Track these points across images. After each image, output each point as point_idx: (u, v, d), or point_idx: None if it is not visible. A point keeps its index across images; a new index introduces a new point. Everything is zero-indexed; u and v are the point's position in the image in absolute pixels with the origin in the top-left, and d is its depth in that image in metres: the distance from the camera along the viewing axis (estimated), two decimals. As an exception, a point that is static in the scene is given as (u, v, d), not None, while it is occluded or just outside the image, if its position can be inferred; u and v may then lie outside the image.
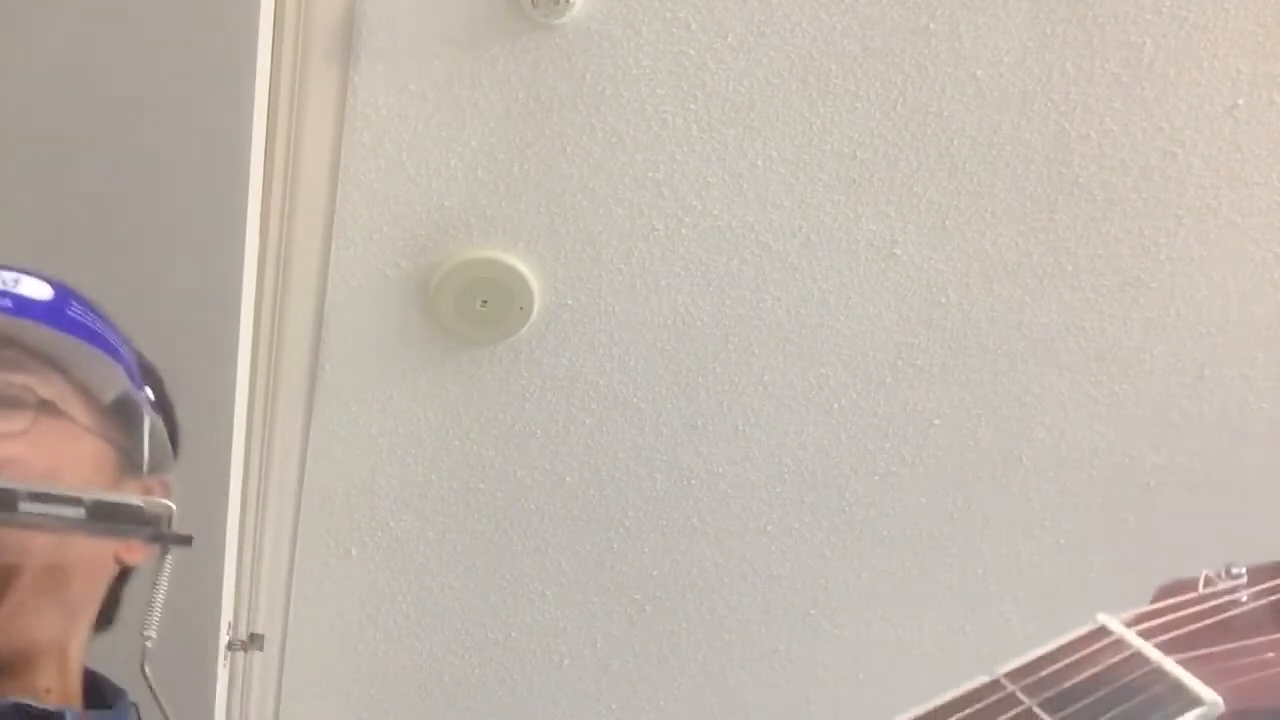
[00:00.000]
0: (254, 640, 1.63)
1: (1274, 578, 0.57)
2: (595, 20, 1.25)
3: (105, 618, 0.78)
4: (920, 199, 1.39)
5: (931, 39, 1.28)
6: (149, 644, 0.69)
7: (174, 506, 0.68)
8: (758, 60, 1.29)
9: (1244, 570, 0.57)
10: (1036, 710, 0.29)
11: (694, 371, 1.51)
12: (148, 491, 0.75)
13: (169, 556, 0.70)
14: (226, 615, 1.53)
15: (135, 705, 0.76)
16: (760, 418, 1.55)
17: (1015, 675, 0.33)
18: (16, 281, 0.72)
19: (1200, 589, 0.53)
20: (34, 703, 0.65)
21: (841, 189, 1.37)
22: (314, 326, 1.43)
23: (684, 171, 1.35)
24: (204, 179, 1.20)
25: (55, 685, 0.70)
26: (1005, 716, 0.33)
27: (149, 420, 0.74)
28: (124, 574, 0.78)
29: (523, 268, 1.40)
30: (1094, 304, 1.48)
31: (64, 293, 0.74)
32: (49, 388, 0.69)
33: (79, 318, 0.74)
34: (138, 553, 0.76)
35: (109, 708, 0.75)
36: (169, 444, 0.78)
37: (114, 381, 0.73)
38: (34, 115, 1.17)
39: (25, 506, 0.62)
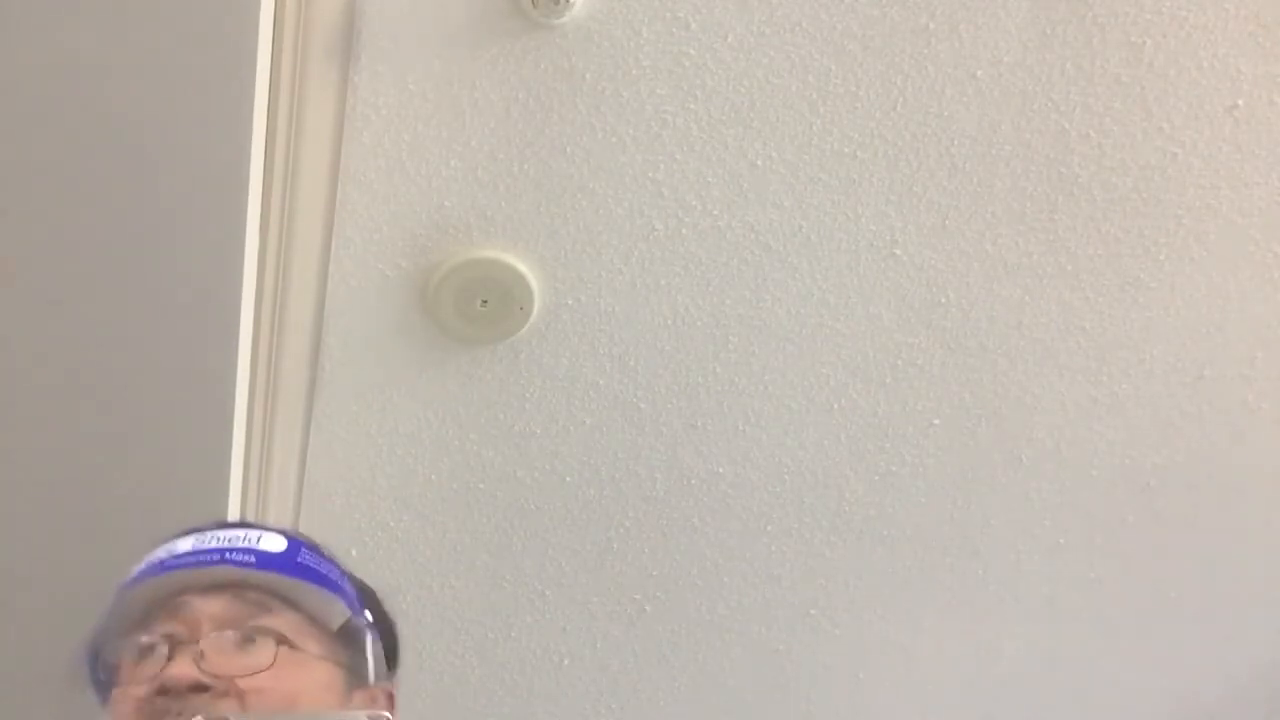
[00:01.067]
0: (254, 640, 1.63)
1: None
2: (595, 20, 1.25)
3: None
4: (920, 199, 1.39)
5: (931, 39, 1.28)
6: None
7: (390, 717, 0.84)
8: (758, 60, 1.29)
9: None
10: None
11: (694, 371, 1.51)
12: (373, 700, 0.87)
13: None
14: (226, 615, 1.53)
15: None
16: (760, 418, 1.55)
17: None
18: (259, 539, 0.88)
19: None
20: None
21: (841, 189, 1.37)
22: (314, 326, 1.43)
23: (684, 171, 1.35)
24: (204, 179, 1.20)
25: None
26: None
27: (370, 641, 0.88)
28: None
29: (523, 268, 1.40)
30: (1094, 304, 1.48)
31: (295, 544, 0.90)
32: (287, 625, 0.83)
33: (308, 563, 0.89)
34: None
35: None
36: (387, 658, 0.91)
37: (338, 613, 0.87)
38: (34, 115, 1.17)
39: None
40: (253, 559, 0.86)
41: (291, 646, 0.82)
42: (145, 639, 0.82)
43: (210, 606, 0.83)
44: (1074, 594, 1.77)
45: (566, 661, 1.79)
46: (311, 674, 0.83)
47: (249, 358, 1.37)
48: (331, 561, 0.92)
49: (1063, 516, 1.68)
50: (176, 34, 1.13)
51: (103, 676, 0.85)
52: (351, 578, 0.94)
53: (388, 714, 0.84)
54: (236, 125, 1.18)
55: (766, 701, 1.87)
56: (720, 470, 1.60)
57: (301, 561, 0.89)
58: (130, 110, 1.17)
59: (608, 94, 1.30)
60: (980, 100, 1.32)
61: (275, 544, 0.89)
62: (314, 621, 0.86)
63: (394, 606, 0.97)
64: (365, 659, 0.87)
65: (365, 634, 0.88)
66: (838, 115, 1.33)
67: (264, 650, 0.81)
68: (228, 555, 0.86)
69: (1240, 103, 1.34)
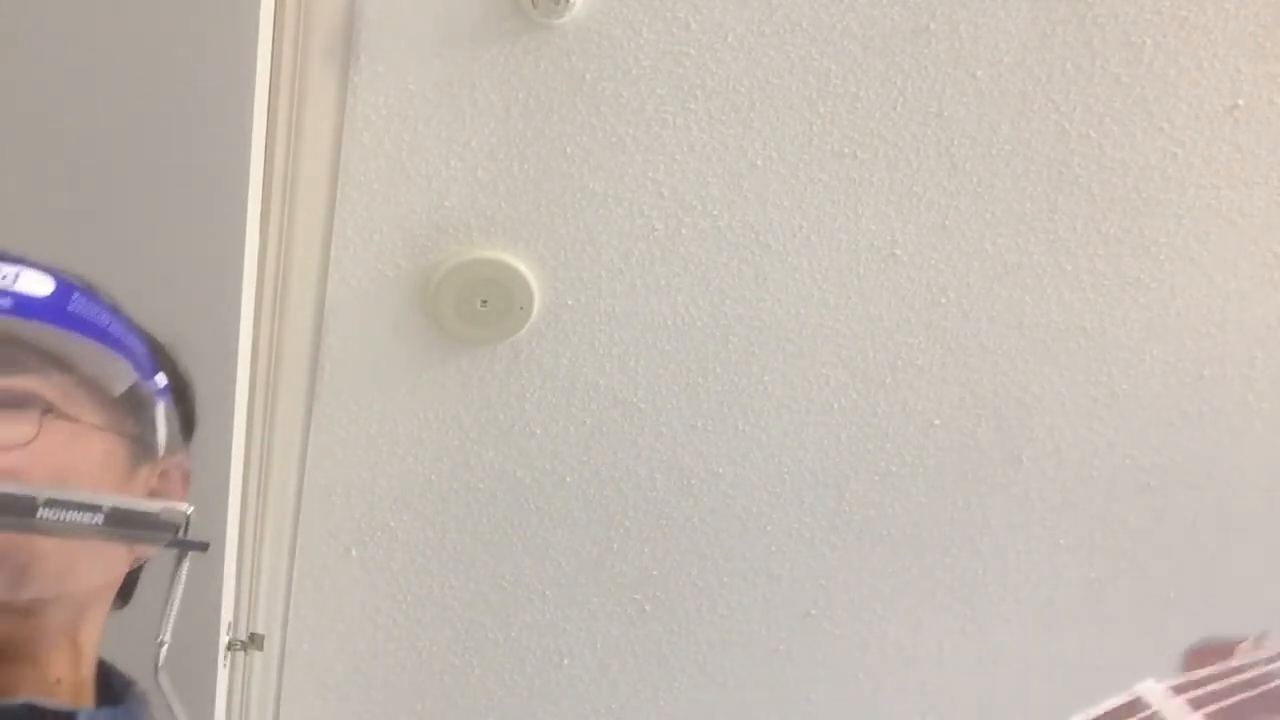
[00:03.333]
0: (254, 640, 1.63)
1: None
2: (595, 20, 1.25)
3: (122, 598, 0.78)
4: (920, 199, 1.39)
5: (931, 39, 1.28)
6: (164, 650, 0.70)
7: (190, 511, 0.68)
8: (758, 60, 1.29)
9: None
10: None
11: (694, 371, 1.51)
12: (163, 476, 0.75)
13: (185, 562, 0.70)
14: (226, 615, 1.53)
15: (146, 697, 0.76)
16: (760, 418, 1.55)
17: None
18: (16, 277, 0.70)
19: (1235, 659, 0.49)
20: (47, 703, 0.65)
21: (841, 189, 1.37)
22: (314, 326, 1.43)
23: (684, 171, 1.35)
24: (204, 179, 1.20)
25: (66, 675, 0.70)
26: None
27: (161, 408, 0.73)
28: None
29: (523, 268, 1.40)
30: (1094, 304, 1.48)
31: (66, 287, 0.73)
32: (53, 388, 0.68)
33: (81, 313, 0.72)
34: (153, 550, 0.75)
35: (120, 703, 0.75)
36: (183, 426, 0.78)
37: (121, 375, 0.72)
38: (34, 115, 1.16)
39: (43, 513, 0.62)
40: (8, 302, 0.69)
41: (59, 415, 0.68)
42: None
43: None
44: (1074, 594, 1.77)
45: (566, 661, 1.79)
46: (86, 447, 0.69)
47: (249, 358, 1.37)
48: (114, 310, 0.76)
49: (1063, 516, 1.68)
50: (176, 34, 1.13)
51: None
52: (138, 329, 0.79)
53: (185, 505, 0.68)
54: (237, 126, 1.18)
55: (766, 701, 1.87)
56: (720, 470, 1.60)
57: (74, 310, 0.72)
58: (130, 110, 1.17)
59: (608, 94, 1.30)
60: (980, 100, 1.32)
61: (40, 285, 0.71)
62: (90, 385, 0.71)
63: (187, 364, 0.83)
64: (155, 429, 0.73)
65: (155, 400, 0.74)
66: (838, 115, 1.33)
67: (24, 420, 0.66)
68: None
69: (1240, 103, 1.34)
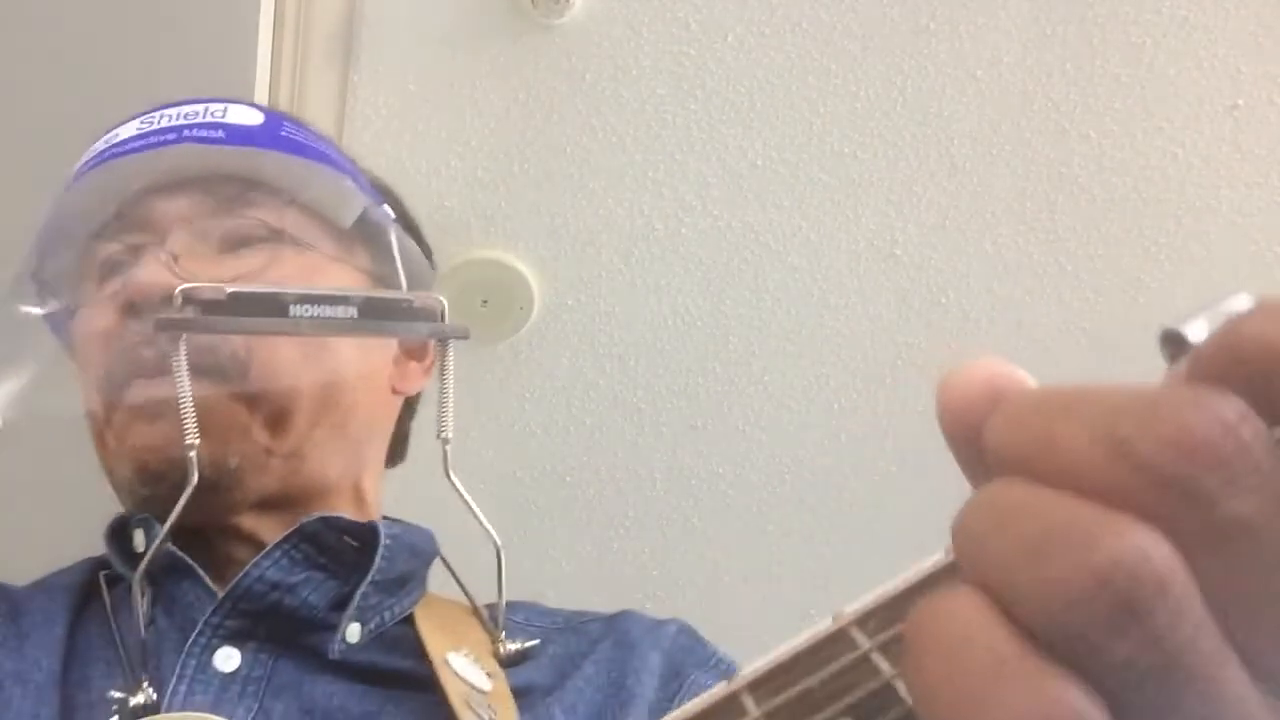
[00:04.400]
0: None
1: None
2: (595, 20, 1.25)
3: (396, 453, 0.76)
4: (920, 199, 1.39)
5: (931, 39, 1.28)
6: (448, 446, 0.68)
7: (444, 301, 0.65)
8: (758, 60, 1.29)
9: None
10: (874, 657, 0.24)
11: (694, 371, 1.51)
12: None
13: (450, 352, 0.67)
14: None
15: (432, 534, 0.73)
16: (760, 418, 1.55)
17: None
18: (224, 111, 0.68)
19: None
20: (343, 517, 0.62)
21: (841, 189, 1.37)
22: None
23: (684, 171, 1.35)
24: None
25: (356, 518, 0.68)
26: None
27: (396, 237, 0.68)
28: (409, 406, 0.76)
29: (523, 268, 1.40)
30: (1094, 304, 1.48)
31: (275, 117, 0.69)
32: (282, 219, 0.65)
33: (298, 138, 0.68)
34: (415, 380, 0.73)
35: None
36: (425, 260, 0.73)
37: (349, 200, 0.67)
38: (34, 115, 1.17)
39: (296, 310, 0.59)
40: (221, 134, 0.66)
41: (292, 243, 0.64)
42: (101, 250, 0.65)
43: (180, 203, 0.64)
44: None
45: (566, 661, 1.79)
46: (323, 278, 0.65)
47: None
48: (331, 142, 0.72)
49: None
50: (177, 34, 1.13)
51: (51, 307, 0.67)
52: (358, 165, 0.74)
53: (440, 297, 0.64)
54: (236, 125, 1.18)
55: (766, 701, 1.87)
56: (720, 470, 1.60)
57: (288, 135, 0.68)
58: (130, 110, 1.17)
59: (608, 94, 1.30)
60: (980, 100, 1.32)
61: (249, 116, 0.68)
62: (319, 215, 0.67)
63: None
64: (394, 262, 0.67)
65: (390, 229, 0.68)
66: (838, 115, 1.33)
67: (254, 254, 0.63)
68: (186, 133, 0.66)
69: (1240, 103, 1.34)
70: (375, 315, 0.62)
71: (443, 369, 0.68)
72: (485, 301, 1.41)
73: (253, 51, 1.14)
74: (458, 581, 0.70)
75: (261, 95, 1.19)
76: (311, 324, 0.60)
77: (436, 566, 0.71)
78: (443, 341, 0.67)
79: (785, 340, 1.49)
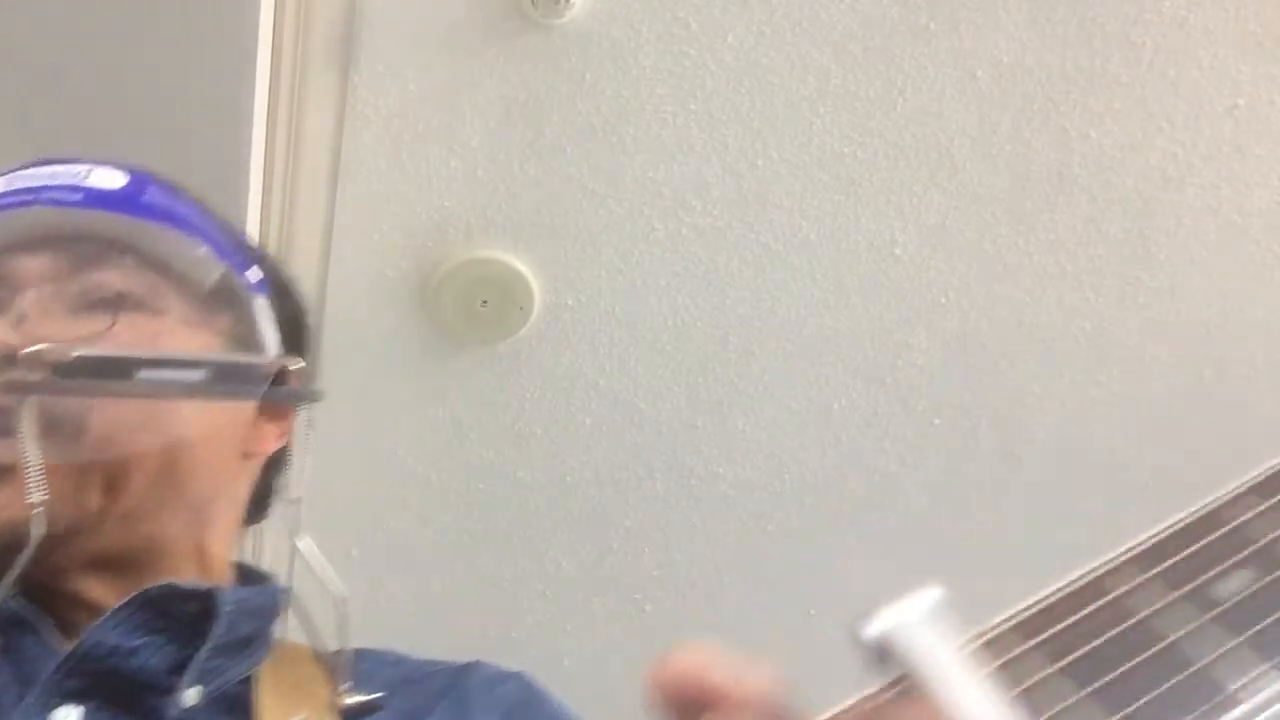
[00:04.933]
0: (254, 640, 1.62)
1: None
2: (595, 20, 1.25)
3: (256, 512, 0.76)
4: (920, 199, 1.39)
5: (931, 39, 1.28)
6: (297, 508, 0.68)
7: (298, 365, 0.64)
8: (758, 60, 1.29)
9: None
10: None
11: (694, 371, 1.51)
12: (278, 377, 0.69)
13: (304, 413, 0.66)
14: (226, 615, 1.53)
15: (289, 590, 0.73)
16: (760, 418, 1.55)
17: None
18: (88, 174, 0.68)
19: None
20: (185, 582, 0.62)
21: (841, 189, 1.37)
22: (314, 326, 1.43)
23: (684, 171, 1.35)
24: (204, 179, 1.20)
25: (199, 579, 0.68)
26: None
27: (260, 303, 0.68)
28: (273, 464, 0.75)
29: (523, 268, 1.40)
30: (1094, 304, 1.48)
31: (140, 179, 0.69)
32: (136, 282, 0.65)
33: (160, 203, 0.68)
34: (268, 441, 0.72)
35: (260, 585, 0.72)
36: (295, 325, 0.73)
37: (207, 265, 0.67)
38: (34, 115, 1.16)
39: (142, 374, 0.59)
40: (79, 197, 0.66)
41: (141, 308, 0.64)
42: None
43: (32, 263, 0.64)
44: (1074, 594, 1.77)
45: (566, 661, 1.79)
46: (178, 343, 0.65)
47: (249, 358, 1.37)
48: (200, 206, 0.72)
49: (1063, 516, 1.68)
50: (176, 35, 1.13)
51: None
52: (230, 228, 0.74)
53: (294, 358, 0.64)
54: (236, 125, 1.18)
55: (766, 701, 1.87)
56: (720, 470, 1.60)
57: (149, 200, 0.68)
58: (130, 110, 1.17)
59: (608, 94, 1.30)
60: (980, 100, 1.32)
61: (111, 179, 0.68)
62: (176, 280, 0.66)
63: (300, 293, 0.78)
64: (253, 324, 0.67)
65: (250, 292, 0.68)
66: (838, 115, 1.33)
67: (98, 316, 0.63)
68: (44, 194, 0.67)
69: (1240, 103, 1.34)
70: (223, 380, 0.62)
71: (295, 431, 0.68)
72: (485, 301, 1.41)
73: (253, 51, 1.14)
74: (310, 635, 0.69)
75: (262, 95, 1.19)
76: (155, 388, 0.60)
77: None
78: (295, 405, 0.67)
79: (785, 340, 1.49)
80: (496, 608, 1.72)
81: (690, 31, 1.27)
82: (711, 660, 0.31)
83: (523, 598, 1.72)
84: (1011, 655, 0.28)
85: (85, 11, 1.12)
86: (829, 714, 0.29)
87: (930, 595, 0.26)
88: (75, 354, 0.58)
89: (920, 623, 0.26)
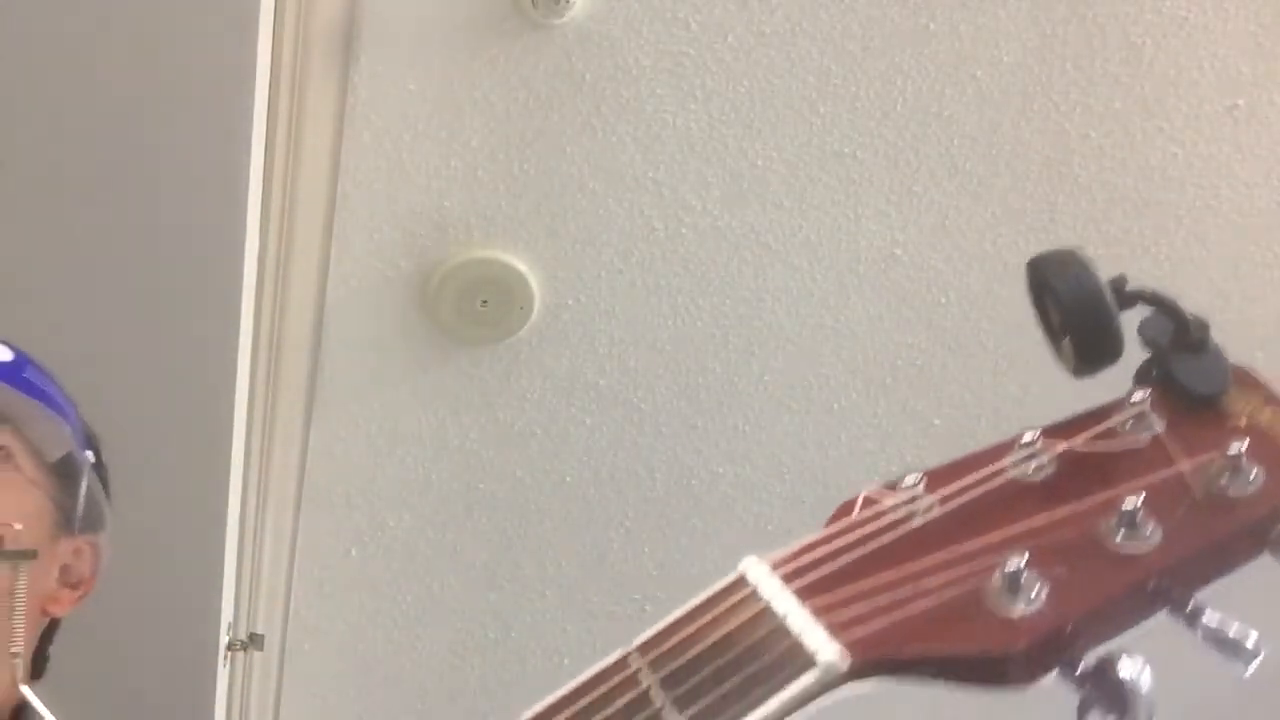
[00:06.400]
0: (254, 640, 1.63)
1: (956, 479, 0.47)
2: (595, 20, 1.25)
3: (37, 669, 0.81)
4: (920, 199, 1.39)
5: (931, 39, 1.28)
6: (16, 660, 0.73)
7: (14, 526, 0.73)
8: (758, 60, 1.29)
9: (920, 477, 0.48)
10: (653, 692, 0.25)
11: (694, 371, 1.51)
12: (78, 552, 0.80)
13: (20, 573, 0.73)
14: (226, 615, 1.53)
15: None
16: (760, 418, 1.55)
17: (646, 647, 0.27)
18: None
19: (882, 504, 0.45)
20: None
21: (841, 189, 1.37)
22: (314, 326, 1.43)
23: (684, 171, 1.35)
24: (204, 179, 1.20)
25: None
26: (624, 699, 0.27)
27: (87, 481, 0.79)
28: (51, 628, 0.82)
29: (523, 268, 1.40)
30: (1094, 304, 1.48)
31: (22, 357, 0.81)
32: (9, 440, 0.75)
33: (35, 380, 0.80)
34: (64, 604, 0.80)
35: None
36: (102, 506, 0.83)
37: (61, 441, 0.79)
38: (34, 115, 1.16)
39: None
40: None
41: (6, 460, 0.75)
42: None
43: None
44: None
45: (567, 661, 1.79)
46: (21, 496, 0.76)
47: (249, 358, 1.37)
48: (60, 388, 0.84)
49: (1063, 516, 1.68)
50: (177, 35, 1.13)
51: None
52: (76, 411, 0.86)
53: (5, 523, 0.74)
54: (236, 125, 1.18)
55: (766, 701, 1.87)
56: (720, 470, 1.60)
57: (28, 377, 0.80)
58: (130, 110, 1.17)
59: (608, 94, 1.30)
60: (980, 100, 1.32)
61: (2, 353, 0.81)
62: (34, 447, 0.78)
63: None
64: (77, 501, 0.79)
65: (83, 473, 0.80)
66: (838, 115, 1.33)
67: None
68: None
69: (1240, 103, 1.34)
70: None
71: (13, 588, 0.74)
72: (485, 301, 1.41)
73: (253, 51, 1.14)
74: None
75: (261, 95, 1.19)
76: None
77: None
78: (12, 564, 0.73)
79: (785, 340, 1.49)
80: (496, 608, 1.72)
81: (690, 31, 1.27)
82: None
83: (523, 598, 1.72)
84: None
85: (85, 11, 1.12)
86: None
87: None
88: None
89: None
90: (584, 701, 0.33)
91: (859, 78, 1.30)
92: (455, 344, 1.46)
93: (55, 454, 0.79)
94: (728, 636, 0.37)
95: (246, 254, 1.25)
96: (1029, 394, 1.55)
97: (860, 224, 1.40)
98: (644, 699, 0.33)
